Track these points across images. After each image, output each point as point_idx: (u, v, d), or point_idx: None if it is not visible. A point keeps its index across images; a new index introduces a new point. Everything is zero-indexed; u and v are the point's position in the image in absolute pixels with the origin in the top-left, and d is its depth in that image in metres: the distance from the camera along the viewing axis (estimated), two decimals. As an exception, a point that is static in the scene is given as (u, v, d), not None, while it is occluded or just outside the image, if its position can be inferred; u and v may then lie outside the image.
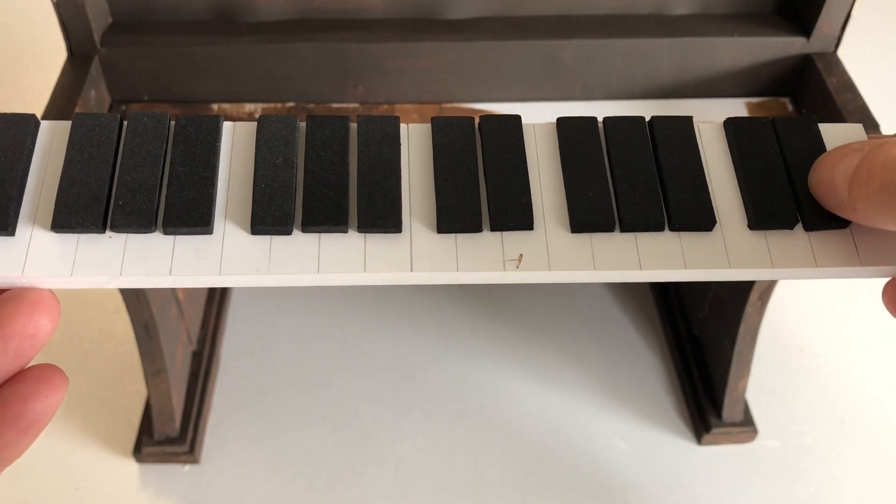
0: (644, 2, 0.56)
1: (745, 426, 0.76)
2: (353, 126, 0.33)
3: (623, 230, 0.31)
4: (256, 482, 0.73)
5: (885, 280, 0.32)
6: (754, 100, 0.58)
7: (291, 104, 0.55)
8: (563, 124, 0.34)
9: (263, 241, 0.30)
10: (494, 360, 0.83)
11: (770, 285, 0.65)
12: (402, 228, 0.31)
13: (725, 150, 0.34)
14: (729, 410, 0.75)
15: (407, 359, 0.83)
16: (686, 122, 0.34)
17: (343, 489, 0.73)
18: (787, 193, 0.32)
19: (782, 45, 0.56)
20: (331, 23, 0.54)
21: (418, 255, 0.30)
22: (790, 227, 0.32)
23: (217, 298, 0.84)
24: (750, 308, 0.67)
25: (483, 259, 0.31)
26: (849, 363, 0.83)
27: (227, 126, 0.32)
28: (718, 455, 0.76)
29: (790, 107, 0.58)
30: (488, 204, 0.32)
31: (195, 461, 0.74)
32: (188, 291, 0.76)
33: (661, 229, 0.32)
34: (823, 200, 0.31)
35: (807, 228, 0.32)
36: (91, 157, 0.30)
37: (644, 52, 0.55)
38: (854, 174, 0.29)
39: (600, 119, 0.34)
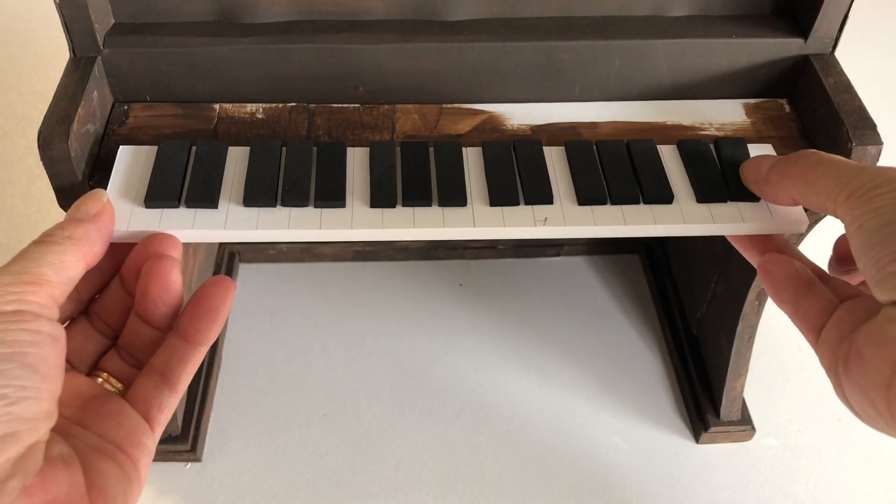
0: (642, 3, 0.56)
1: (743, 425, 0.76)
2: (431, 150, 0.51)
3: (612, 203, 0.49)
4: (257, 480, 0.74)
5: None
6: (752, 101, 0.58)
7: (292, 105, 0.56)
8: (569, 145, 0.52)
9: (378, 211, 0.48)
10: (494, 359, 0.83)
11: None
12: (467, 203, 0.48)
13: (679, 160, 0.52)
14: (727, 409, 0.76)
15: (407, 358, 0.83)
16: (651, 142, 0.52)
17: (343, 487, 0.73)
18: (721, 182, 0.50)
19: (780, 47, 0.56)
20: (332, 24, 0.54)
21: (478, 218, 0.48)
22: (724, 200, 0.49)
23: (218, 298, 0.85)
24: (748, 307, 0.67)
25: (521, 220, 0.48)
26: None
27: (349, 149, 0.51)
28: (716, 453, 0.76)
29: (788, 108, 0.58)
30: (522, 188, 0.49)
31: (197, 459, 0.75)
32: (191, 291, 0.76)
33: (638, 202, 0.49)
34: (747, 176, 0.48)
35: (734, 199, 0.49)
36: (265, 162, 0.49)
37: (642, 53, 0.55)
38: (779, 159, 0.45)
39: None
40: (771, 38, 0.56)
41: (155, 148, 0.50)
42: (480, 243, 0.91)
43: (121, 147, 0.50)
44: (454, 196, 0.48)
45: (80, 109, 0.50)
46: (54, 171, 0.49)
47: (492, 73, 0.55)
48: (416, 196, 0.48)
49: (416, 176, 0.49)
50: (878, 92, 0.77)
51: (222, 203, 0.47)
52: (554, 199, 0.48)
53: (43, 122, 0.49)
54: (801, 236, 0.59)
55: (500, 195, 0.48)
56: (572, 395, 0.80)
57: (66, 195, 0.51)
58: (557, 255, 0.93)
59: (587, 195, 0.48)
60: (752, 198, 0.48)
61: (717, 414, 0.76)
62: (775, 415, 0.79)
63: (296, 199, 0.47)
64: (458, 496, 0.73)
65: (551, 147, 0.52)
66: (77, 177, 0.49)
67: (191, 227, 0.46)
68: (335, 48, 0.53)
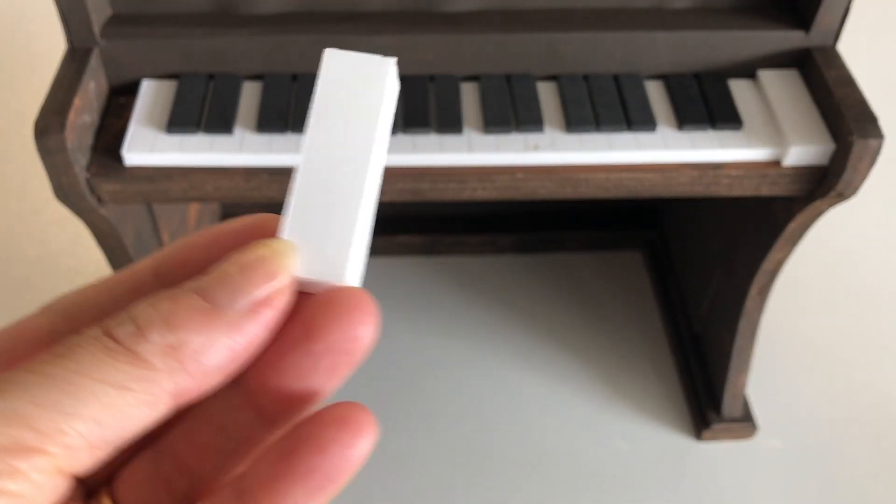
0: (643, -5, 0.56)
1: (745, 421, 0.76)
2: (431, 83, 0.55)
3: (600, 130, 0.53)
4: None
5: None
6: (753, 94, 0.58)
7: (291, 97, 0.55)
8: (561, 79, 0.56)
9: (396, 137, 0.53)
10: (495, 359, 0.83)
11: (769, 280, 0.65)
12: (462, 130, 0.53)
13: (664, 93, 0.56)
14: (728, 406, 0.75)
15: (408, 359, 0.83)
16: (638, 77, 0.56)
17: (342, 489, 0.73)
18: (704, 112, 0.55)
19: (781, 39, 0.56)
20: (329, 15, 0.54)
21: (473, 144, 0.53)
22: (705, 129, 0.56)
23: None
24: (749, 303, 0.67)
25: (513, 146, 0.53)
26: (853, 362, 0.83)
27: None
28: (719, 452, 0.76)
29: (789, 101, 0.58)
30: (515, 117, 0.53)
31: (193, 458, 0.74)
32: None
33: (623, 130, 0.54)
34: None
35: (715, 128, 0.55)
36: (277, 93, 0.54)
37: (643, 45, 0.55)
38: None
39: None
40: (772, 31, 0.56)
41: (176, 81, 0.55)
42: (481, 240, 0.91)
43: (143, 80, 0.55)
44: (451, 123, 0.53)
45: (76, 100, 0.49)
46: (51, 162, 0.49)
47: (491, 65, 0.55)
48: (416, 123, 0.53)
49: (416, 106, 0.53)
50: (881, 85, 0.77)
51: (238, 129, 0.53)
52: (545, 127, 0.53)
53: (39, 113, 0.48)
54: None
55: (494, 123, 0.53)
56: (574, 393, 0.80)
57: (63, 188, 0.50)
58: (558, 251, 0.92)
59: (576, 123, 0.53)
60: (735, 125, 0.54)
61: (719, 411, 0.76)
62: (779, 415, 0.79)
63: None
64: (459, 496, 0.72)
65: (544, 81, 0.56)
66: (74, 169, 0.49)
67: (209, 151, 0.51)
68: (333, 39, 0.53)
